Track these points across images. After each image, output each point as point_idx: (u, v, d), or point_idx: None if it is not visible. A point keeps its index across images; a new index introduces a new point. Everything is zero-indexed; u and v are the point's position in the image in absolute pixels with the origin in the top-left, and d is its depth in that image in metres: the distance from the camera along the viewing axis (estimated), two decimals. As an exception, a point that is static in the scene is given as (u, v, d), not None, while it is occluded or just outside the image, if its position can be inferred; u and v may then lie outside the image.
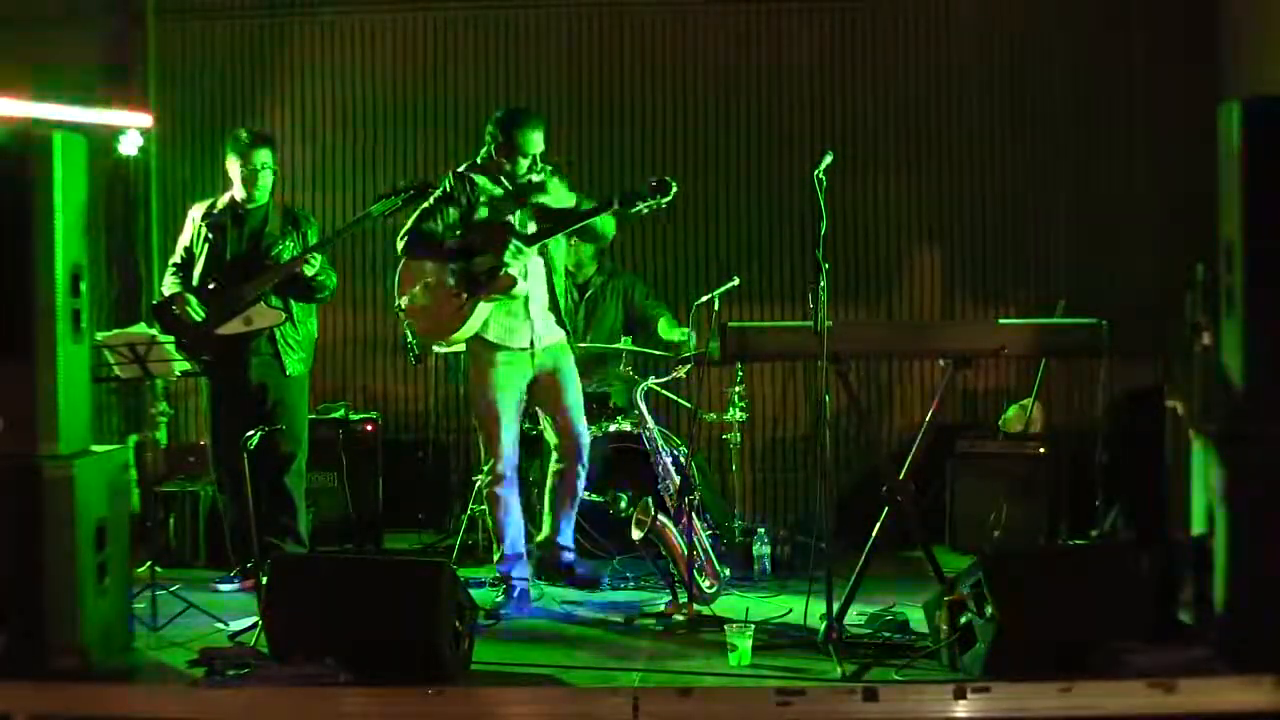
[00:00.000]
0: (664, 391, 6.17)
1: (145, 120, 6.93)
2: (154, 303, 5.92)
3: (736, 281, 5.65)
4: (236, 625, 4.85)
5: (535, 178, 5.26)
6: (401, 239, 5.29)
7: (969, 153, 7.07)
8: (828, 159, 4.65)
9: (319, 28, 7.31)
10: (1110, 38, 6.92)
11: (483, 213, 5.26)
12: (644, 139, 7.19)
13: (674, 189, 5.03)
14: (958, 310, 7.06)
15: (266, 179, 5.71)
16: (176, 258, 5.82)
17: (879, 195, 7.11)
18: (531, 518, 6.57)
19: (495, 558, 5.42)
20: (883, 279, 7.10)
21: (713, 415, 6.30)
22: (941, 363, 5.03)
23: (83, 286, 4.36)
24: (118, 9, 7.30)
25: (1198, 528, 4.37)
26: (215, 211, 5.76)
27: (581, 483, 5.48)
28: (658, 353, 6.33)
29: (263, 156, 5.69)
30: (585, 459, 5.44)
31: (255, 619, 4.58)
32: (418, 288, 5.28)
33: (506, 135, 5.24)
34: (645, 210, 5.12)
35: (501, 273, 5.16)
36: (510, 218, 5.24)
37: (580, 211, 5.25)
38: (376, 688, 3.95)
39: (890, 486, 4.80)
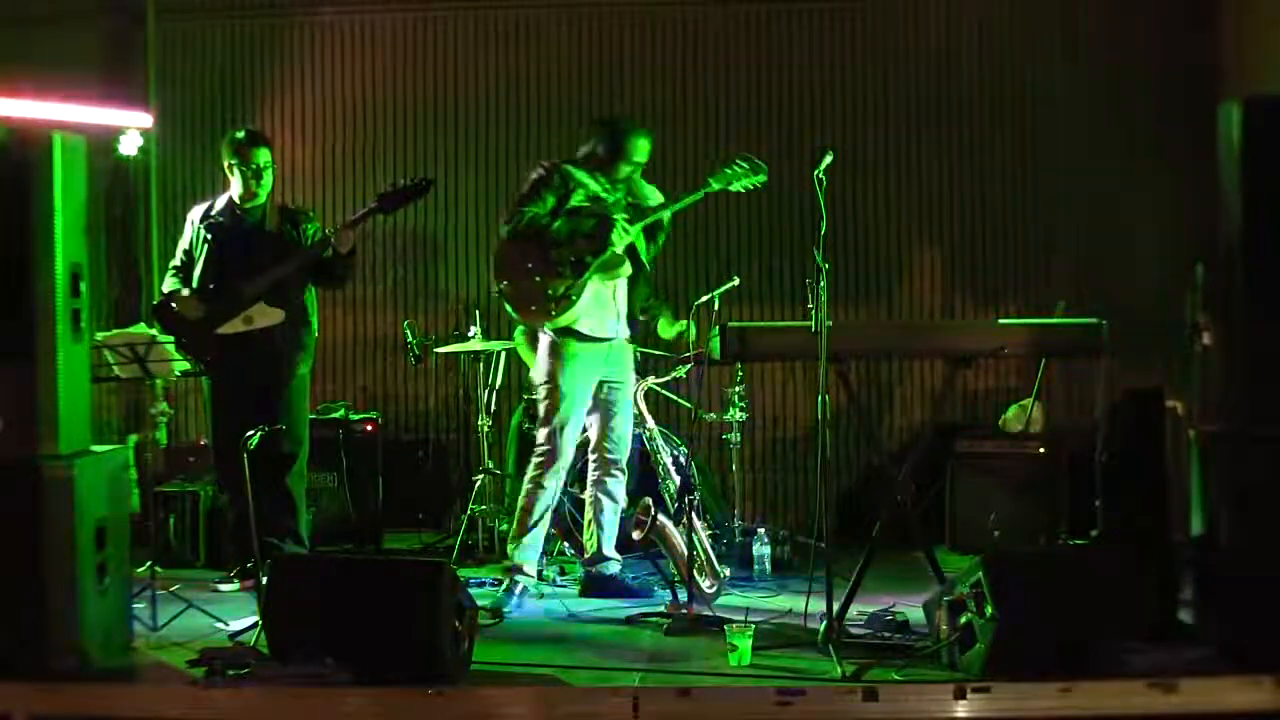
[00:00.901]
0: (664, 391, 6.17)
1: (145, 120, 6.94)
2: (154, 303, 5.93)
3: (736, 281, 5.65)
4: (236, 625, 4.85)
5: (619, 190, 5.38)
6: (506, 223, 5.31)
7: (969, 153, 7.08)
8: (828, 159, 4.66)
9: (319, 28, 7.32)
10: (1111, 37, 6.92)
11: (578, 201, 5.31)
12: (644, 139, 7.20)
13: (764, 170, 5.26)
14: (958, 310, 7.07)
15: (268, 178, 5.72)
16: (176, 260, 5.82)
17: (879, 195, 7.11)
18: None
19: (510, 547, 5.36)
20: (883, 279, 7.11)
21: (713, 415, 6.30)
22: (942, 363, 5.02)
23: (83, 286, 4.36)
24: (118, 9, 7.31)
25: (1198, 528, 4.38)
26: (213, 213, 5.76)
27: (622, 489, 5.48)
28: (657, 352, 6.33)
29: (263, 156, 5.70)
30: (624, 465, 5.46)
31: (255, 619, 4.58)
32: (519, 270, 5.28)
33: (617, 140, 5.33)
34: (742, 189, 5.28)
35: (608, 253, 5.23)
36: (609, 206, 5.35)
37: (680, 198, 5.36)
38: (376, 688, 3.95)
39: (890, 486, 4.80)
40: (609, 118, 5.56)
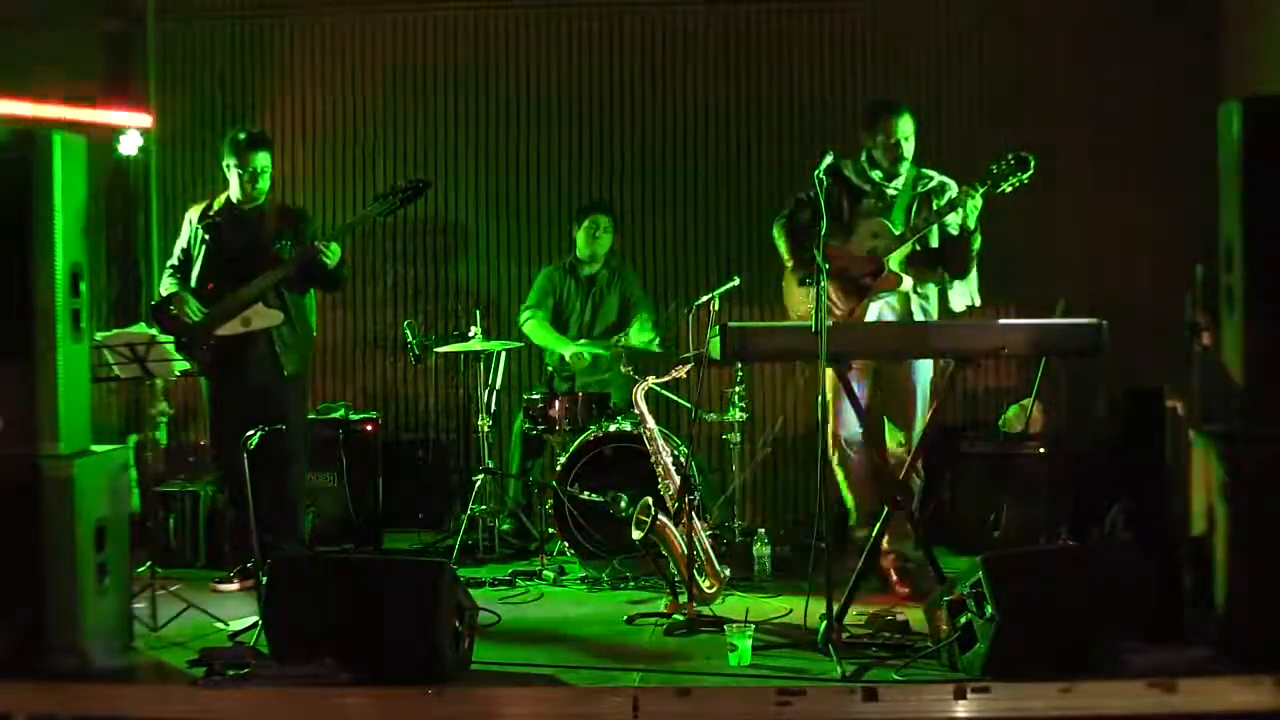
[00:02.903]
0: (664, 391, 6.17)
1: (145, 120, 6.94)
2: (153, 303, 5.93)
3: (737, 281, 5.64)
4: (236, 625, 4.85)
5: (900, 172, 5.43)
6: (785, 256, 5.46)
7: (968, 153, 7.05)
8: (828, 159, 4.65)
9: (319, 28, 7.32)
10: (1111, 37, 6.91)
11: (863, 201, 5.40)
12: (644, 139, 7.20)
13: (1033, 163, 5.13)
14: (958, 310, 7.06)
15: (265, 181, 5.71)
16: (174, 260, 5.82)
17: (879, 195, 7.10)
18: (531, 518, 6.57)
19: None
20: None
21: (713, 415, 6.30)
22: (941, 363, 5.02)
23: (83, 286, 4.36)
24: (118, 9, 7.31)
25: (1198, 528, 4.37)
26: (212, 213, 5.76)
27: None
28: (654, 351, 6.33)
29: (261, 159, 5.68)
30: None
31: (255, 619, 4.58)
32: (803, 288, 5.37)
33: (871, 125, 5.43)
34: (1009, 188, 5.21)
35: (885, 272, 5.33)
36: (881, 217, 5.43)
37: (946, 201, 5.36)
38: (376, 688, 3.95)
39: (890, 486, 4.80)
40: (862, 110, 5.61)
